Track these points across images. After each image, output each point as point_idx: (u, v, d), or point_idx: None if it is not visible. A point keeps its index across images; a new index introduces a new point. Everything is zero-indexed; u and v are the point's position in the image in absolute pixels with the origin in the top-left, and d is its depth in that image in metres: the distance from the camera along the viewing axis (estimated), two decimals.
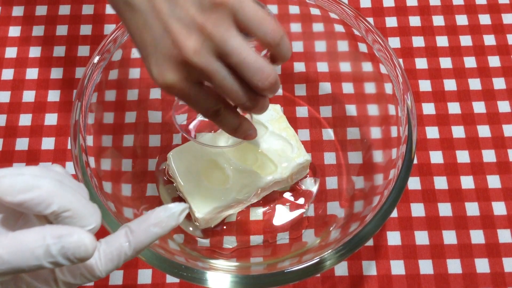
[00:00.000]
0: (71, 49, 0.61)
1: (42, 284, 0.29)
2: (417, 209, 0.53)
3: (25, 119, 0.58)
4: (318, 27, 0.54)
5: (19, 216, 0.30)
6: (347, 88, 0.56)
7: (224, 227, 0.52)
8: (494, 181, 0.54)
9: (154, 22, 0.34)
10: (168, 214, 0.30)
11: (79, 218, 0.28)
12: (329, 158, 0.55)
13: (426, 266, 0.51)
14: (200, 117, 0.57)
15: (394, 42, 0.61)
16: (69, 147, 0.57)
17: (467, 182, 0.54)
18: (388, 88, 0.48)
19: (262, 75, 0.34)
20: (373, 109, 0.53)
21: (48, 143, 0.57)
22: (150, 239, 0.30)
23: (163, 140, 0.56)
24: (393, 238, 0.52)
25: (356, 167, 0.53)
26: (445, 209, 0.53)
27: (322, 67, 0.58)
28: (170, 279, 0.51)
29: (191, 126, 0.55)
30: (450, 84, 0.59)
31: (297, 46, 0.58)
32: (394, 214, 0.53)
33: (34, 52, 0.61)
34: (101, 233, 0.53)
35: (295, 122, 0.57)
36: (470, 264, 0.51)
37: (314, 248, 0.47)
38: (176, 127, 0.57)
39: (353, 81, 0.56)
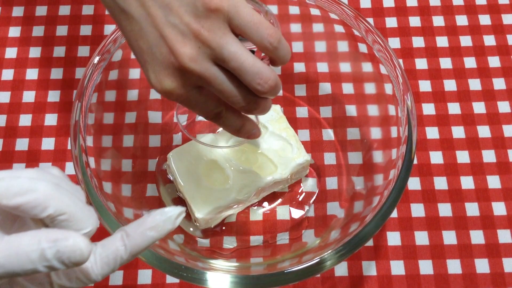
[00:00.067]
0: (71, 49, 0.61)
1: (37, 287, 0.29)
2: (417, 210, 0.53)
3: (25, 120, 0.58)
4: (318, 27, 0.54)
5: (15, 219, 0.29)
6: (347, 88, 0.56)
7: (224, 227, 0.52)
8: (494, 182, 0.54)
9: (149, 30, 0.34)
10: (164, 218, 0.30)
11: (75, 221, 0.28)
12: (329, 158, 0.55)
13: (426, 267, 0.51)
14: (199, 117, 0.57)
15: (394, 43, 0.61)
16: (69, 147, 0.57)
17: (467, 182, 0.54)
18: (388, 88, 0.48)
19: (262, 79, 0.34)
20: (373, 110, 0.53)
21: (48, 144, 0.57)
22: (147, 243, 0.30)
23: (163, 141, 0.56)
24: (393, 238, 0.52)
25: (356, 167, 0.53)
26: (445, 210, 0.53)
27: (322, 67, 0.58)
28: (170, 279, 0.51)
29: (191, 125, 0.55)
30: (450, 85, 0.59)
31: (297, 47, 0.58)
32: (394, 214, 0.53)
33: (34, 52, 0.61)
34: (101, 234, 0.53)
35: (295, 123, 0.57)
36: (470, 265, 0.51)
37: (314, 248, 0.47)
38: (175, 127, 0.57)
39: (353, 81, 0.56)
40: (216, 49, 0.33)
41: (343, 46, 0.53)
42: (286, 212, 0.53)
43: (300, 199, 0.54)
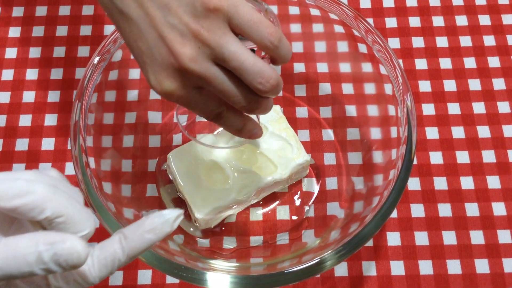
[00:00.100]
0: (71, 49, 0.61)
1: None
2: (417, 210, 0.53)
3: (25, 120, 0.58)
4: (318, 27, 0.54)
5: (12, 221, 0.29)
6: (347, 88, 0.56)
7: (224, 227, 0.52)
8: (494, 182, 0.54)
9: (148, 31, 0.33)
10: (162, 221, 0.30)
11: (72, 224, 0.28)
12: (329, 158, 0.55)
13: (426, 267, 0.51)
14: (199, 118, 0.57)
15: (394, 43, 0.61)
16: (69, 147, 0.57)
17: (467, 182, 0.54)
18: (388, 88, 0.48)
19: (263, 78, 0.34)
20: (373, 110, 0.53)
21: (48, 144, 0.57)
22: (144, 245, 0.30)
23: (163, 141, 0.56)
24: (393, 238, 0.52)
25: (356, 167, 0.53)
26: (445, 210, 0.53)
27: (322, 67, 0.58)
28: (170, 279, 0.51)
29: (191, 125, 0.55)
30: (450, 85, 0.59)
31: (297, 47, 0.58)
32: (394, 214, 0.53)
33: (34, 52, 0.61)
34: (101, 234, 0.53)
35: (295, 123, 0.57)
36: (470, 265, 0.51)
37: (314, 248, 0.47)
38: (175, 127, 0.57)
39: (353, 81, 0.56)
40: (216, 48, 0.33)
41: (343, 46, 0.53)
42: (286, 213, 0.53)
43: (300, 199, 0.54)
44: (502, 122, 0.57)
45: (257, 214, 0.53)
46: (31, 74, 0.60)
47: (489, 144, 0.56)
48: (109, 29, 0.63)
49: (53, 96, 0.59)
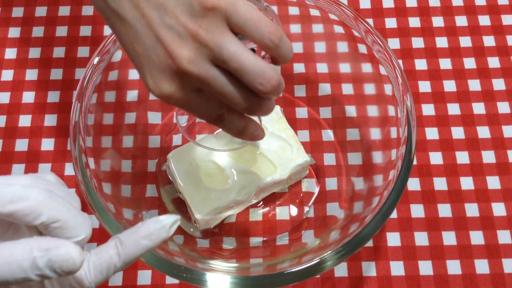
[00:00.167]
0: (71, 50, 0.61)
1: None
2: (417, 210, 0.53)
3: (24, 120, 0.58)
4: (317, 28, 0.54)
5: (9, 225, 0.29)
6: (347, 89, 0.56)
7: (224, 228, 0.52)
8: (493, 182, 0.54)
9: (144, 32, 0.32)
10: (158, 226, 0.30)
11: (68, 229, 0.28)
12: (329, 159, 0.55)
13: (425, 267, 0.51)
14: (199, 118, 0.57)
15: (394, 43, 0.61)
16: (68, 148, 0.57)
17: (466, 183, 0.54)
18: (388, 89, 0.48)
19: (264, 79, 0.33)
20: (372, 110, 0.53)
21: (47, 144, 0.57)
22: (140, 251, 0.29)
23: (162, 141, 0.56)
24: (393, 239, 0.52)
25: (356, 168, 0.53)
26: (444, 210, 0.53)
27: (322, 68, 0.58)
28: (169, 280, 0.51)
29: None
30: (449, 85, 0.59)
31: (297, 47, 0.58)
32: (394, 215, 0.53)
33: (34, 53, 0.61)
34: (101, 234, 0.53)
35: (294, 123, 0.57)
36: (470, 265, 0.51)
37: (313, 249, 0.47)
38: (175, 127, 0.57)
39: (352, 82, 0.56)
40: (215, 49, 0.32)
41: (342, 46, 0.53)
42: (285, 213, 0.53)
43: (299, 199, 0.54)
44: (502, 123, 0.57)
45: (257, 215, 0.53)
46: (31, 74, 0.60)
47: (489, 145, 0.56)
48: (108, 29, 0.63)
49: (53, 97, 0.59)
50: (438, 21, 0.62)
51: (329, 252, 0.41)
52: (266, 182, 0.50)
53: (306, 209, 0.53)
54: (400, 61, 0.60)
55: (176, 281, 0.51)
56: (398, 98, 0.46)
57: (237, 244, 0.52)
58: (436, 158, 0.55)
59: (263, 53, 0.36)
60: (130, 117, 0.54)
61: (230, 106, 0.36)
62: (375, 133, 0.52)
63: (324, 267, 0.40)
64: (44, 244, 0.26)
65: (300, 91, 0.58)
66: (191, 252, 0.49)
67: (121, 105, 0.54)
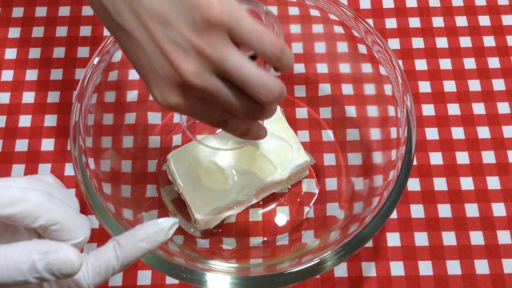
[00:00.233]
0: (71, 50, 0.61)
1: None
2: (417, 210, 0.53)
3: (24, 121, 0.58)
4: (317, 28, 0.54)
5: (7, 227, 0.29)
6: (347, 89, 0.56)
7: (224, 228, 0.52)
8: (493, 182, 0.54)
9: (149, 47, 0.33)
10: (157, 229, 0.30)
11: (67, 231, 0.28)
12: (329, 159, 0.55)
13: (425, 267, 0.51)
14: None
15: (394, 44, 0.61)
16: (68, 148, 0.57)
17: (466, 183, 0.54)
18: (388, 89, 0.48)
19: (266, 90, 0.33)
20: (372, 111, 0.53)
21: (47, 145, 0.57)
22: (138, 254, 0.30)
23: (162, 142, 0.56)
24: (393, 239, 0.52)
25: (356, 168, 0.53)
26: (444, 210, 0.53)
27: (322, 68, 0.58)
28: (169, 280, 0.51)
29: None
30: (449, 86, 0.59)
31: (297, 48, 0.58)
32: (394, 215, 0.53)
33: (34, 53, 0.61)
34: (100, 235, 0.53)
35: (294, 123, 0.57)
36: (470, 266, 0.51)
37: (313, 249, 0.47)
38: (175, 128, 0.57)
39: (352, 82, 0.56)
40: (218, 63, 0.33)
41: (342, 47, 0.53)
42: (285, 213, 0.53)
43: (299, 200, 0.54)
44: (502, 123, 0.57)
45: (257, 215, 0.53)
46: (31, 74, 0.60)
47: (489, 145, 0.56)
48: None
49: (53, 97, 0.59)
50: (438, 22, 0.62)
51: (329, 252, 0.41)
52: (266, 182, 0.50)
53: (306, 209, 0.53)
54: (400, 62, 0.60)
55: (176, 281, 0.51)
56: (398, 99, 0.46)
57: (237, 244, 0.52)
58: (436, 158, 0.55)
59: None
60: (130, 118, 0.54)
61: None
62: (375, 134, 0.52)
63: (324, 268, 0.40)
64: (42, 247, 0.27)
65: (300, 91, 0.58)
66: (191, 252, 0.49)
67: (121, 105, 0.54)
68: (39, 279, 0.27)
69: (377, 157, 0.51)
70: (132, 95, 0.55)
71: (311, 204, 0.53)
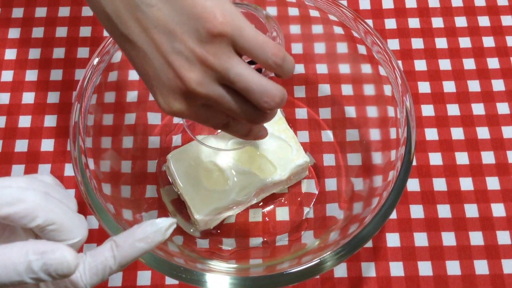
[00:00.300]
0: (71, 50, 0.61)
1: None
2: (416, 211, 0.53)
3: (24, 121, 0.58)
4: (317, 29, 0.54)
5: (5, 227, 0.29)
6: (346, 90, 0.56)
7: (223, 228, 0.52)
8: (493, 183, 0.54)
9: (154, 56, 0.34)
10: (154, 229, 0.30)
11: (64, 231, 0.28)
12: (328, 159, 0.55)
13: (425, 268, 0.51)
14: None
15: (393, 44, 0.61)
16: (68, 149, 0.57)
17: (466, 183, 0.54)
18: (387, 90, 0.48)
19: (268, 97, 0.34)
20: (372, 111, 0.53)
21: (47, 145, 0.57)
22: (136, 254, 0.30)
23: (162, 142, 0.56)
24: (392, 239, 0.52)
25: (355, 168, 0.53)
26: (444, 211, 0.53)
27: (321, 69, 0.58)
28: (169, 280, 0.51)
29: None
30: (449, 86, 0.59)
31: (296, 48, 0.58)
32: (393, 215, 0.53)
33: (34, 53, 0.61)
34: (100, 235, 0.53)
35: (294, 124, 0.57)
36: (469, 266, 0.51)
37: (313, 249, 0.47)
38: (175, 128, 0.57)
39: (352, 83, 0.56)
40: (222, 72, 0.33)
41: (342, 47, 0.54)
42: (285, 213, 0.53)
43: (299, 200, 0.54)
44: (501, 123, 0.57)
45: (257, 215, 0.53)
46: (31, 75, 0.60)
47: (488, 145, 0.56)
48: None
49: (53, 97, 0.59)
50: (437, 22, 0.62)
51: (329, 252, 0.41)
52: (265, 182, 0.50)
53: (305, 209, 0.53)
54: (399, 62, 0.60)
55: (175, 282, 0.51)
56: (398, 99, 0.46)
57: (237, 245, 0.52)
58: (435, 158, 0.55)
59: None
60: (130, 118, 0.54)
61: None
62: (374, 134, 0.52)
63: (323, 268, 0.40)
64: (39, 248, 0.27)
65: (299, 92, 0.58)
66: (191, 252, 0.49)
67: (120, 105, 0.54)
68: (36, 279, 0.27)
69: (377, 158, 0.51)
70: (131, 96, 0.55)
71: (311, 204, 0.53)
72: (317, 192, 0.54)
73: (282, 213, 0.53)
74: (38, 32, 0.63)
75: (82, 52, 0.61)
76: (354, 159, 0.54)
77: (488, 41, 0.61)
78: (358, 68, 0.53)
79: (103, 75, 0.48)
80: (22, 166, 0.56)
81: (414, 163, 0.55)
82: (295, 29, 0.56)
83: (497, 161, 0.55)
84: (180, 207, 0.53)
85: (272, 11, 0.54)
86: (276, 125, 0.53)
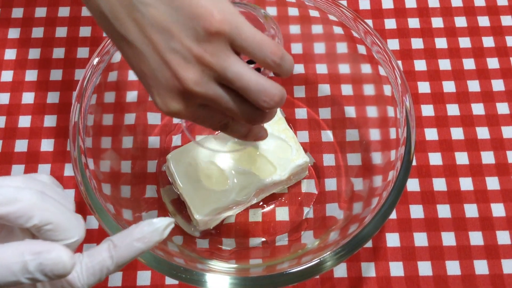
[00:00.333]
0: (71, 51, 0.61)
1: None
2: (416, 211, 0.53)
3: (24, 121, 0.58)
4: (317, 29, 0.54)
5: (1, 227, 0.29)
6: (346, 90, 0.56)
7: (223, 228, 0.52)
8: (493, 183, 0.54)
9: (151, 56, 0.33)
10: (152, 229, 0.30)
11: (61, 231, 0.28)
12: (328, 159, 0.55)
13: (425, 268, 0.51)
14: None
15: (393, 44, 0.61)
16: (68, 149, 0.57)
17: (466, 183, 0.54)
18: (387, 90, 0.48)
19: (267, 96, 0.34)
20: (372, 111, 0.54)
21: (47, 145, 0.57)
22: (133, 254, 0.29)
23: (162, 142, 0.56)
24: (392, 239, 0.52)
25: (355, 168, 0.53)
26: (444, 211, 0.53)
27: (321, 69, 0.58)
28: (169, 280, 0.51)
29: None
30: (449, 86, 0.59)
31: (296, 48, 0.58)
32: (393, 215, 0.53)
33: (34, 53, 0.61)
34: (100, 235, 0.53)
35: (294, 124, 0.57)
36: (469, 266, 0.51)
37: (313, 249, 0.47)
38: (175, 128, 0.57)
39: (352, 83, 0.56)
40: (219, 71, 0.33)
41: (342, 47, 0.54)
42: (285, 213, 0.53)
43: (299, 200, 0.54)
44: (501, 123, 0.57)
45: (257, 215, 0.53)
46: (31, 75, 0.60)
47: (488, 145, 0.56)
48: None
49: (53, 97, 0.59)
50: (437, 22, 0.62)
51: (329, 252, 0.41)
52: (265, 182, 0.50)
53: (305, 209, 0.53)
54: (399, 62, 0.60)
55: (175, 282, 0.51)
56: (397, 99, 0.46)
57: (237, 245, 0.52)
58: (435, 158, 0.55)
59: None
60: (130, 118, 0.54)
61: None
62: (374, 134, 0.52)
63: (323, 268, 0.40)
64: (35, 248, 0.26)
65: (299, 92, 0.58)
66: (191, 252, 0.49)
67: (120, 106, 0.54)
68: (32, 279, 0.27)
69: (377, 158, 0.51)
70: (131, 96, 0.55)
71: (311, 204, 0.53)
72: (317, 192, 0.54)
73: (282, 213, 0.53)
74: (38, 32, 0.63)
75: (82, 52, 0.61)
76: (354, 159, 0.54)
77: (488, 41, 0.61)
78: (358, 68, 0.53)
79: (103, 75, 0.48)
80: (22, 166, 0.56)
81: (414, 163, 0.55)
82: (295, 29, 0.56)
83: (497, 161, 0.55)
84: (180, 207, 0.53)
85: (272, 11, 0.54)
86: (276, 125, 0.53)
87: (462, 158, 0.55)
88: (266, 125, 0.52)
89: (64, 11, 0.64)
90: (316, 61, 0.58)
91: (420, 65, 0.60)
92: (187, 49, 0.32)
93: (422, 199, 0.54)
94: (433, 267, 0.51)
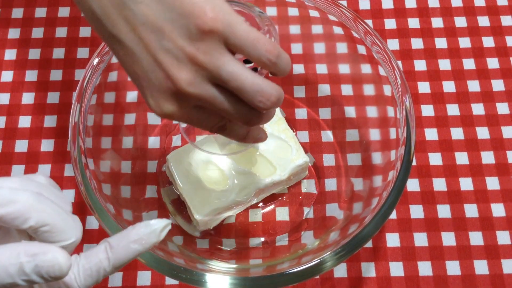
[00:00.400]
0: (71, 51, 0.61)
1: None
2: (416, 211, 0.53)
3: (24, 121, 0.58)
4: (317, 29, 0.54)
5: None
6: (346, 90, 0.56)
7: (223, 229, 0.52)
8: (493, 183, 0.54)
9: (143, 55, 0.33)
10: (149, 231, 0.30)
11: (58, 233, 0.28)
12: (328, 159, 0.55)
13: (425, 268, 0.51)
14: None
15: (393, 44, 0.61)
16: (68, 149, 0.57)
17: (466, 183, 0.54)
18: (387, 90, 0.48)
19: (263, 96, 0.33)
20: (372, 111, 0.54)
21: (47, 145, 0.57)
22: (130, 256, 0.29)
23: (162, 142, 0.56)
24: (392, 239, 0.52)
25: (355, 168, 0.53)
26: (444, 211, 0.53)
27: (321, 69, 0.58)
28: (169, 281, 0.51)
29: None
30: (449, 86, 0.59)
31: (296, 48, 0.58)
32: (393, 215, 0.53)
33: (34, 54, 0.61)
34: (100, 235, 0.53)
35: (294, 124, 0.57)
36: (469, 266, 0.51)
37: (313, 249, 0.47)
38: (175, 128, 0.57)
39: (352, 83, 0.56)
40: (213, 71, 0.32)
41: (342, 47, 0.54)
42: (285, 214, 0.53)
43: (299, 200, 0.54)
44: (501, 123, 0.57)
45: (257, 215, 0.53)
46: (31, 75, 0.60)
47: (488, 145, 0.56)
48: None
49: (53, 98, 0.59)
50: (437, 22, 0.62)
51: (329, 252, 0.41)
52: (265, 183, 0.50)
53: (305, 209, 0.53)
54: (399, 62, 0.60)
55: (175, 282, 0.51)
56: (397, 99, 0.46)
57: (237, 245, 0.52)
58: (435, 158, 0.55)
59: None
60: (130, 118, 0.54)
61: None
62: (374, 134, 0.52)
63: (323, 268, 0.40)
64: (31, 249, 0.26)
65: (299, 92, 0.58)
66: (191, 253, 0.49)
67: (120, 106, 0.54)
68: (28, 281, 0.26)
69: (377, 158, 0.51)
70: (131, 96, 0.55)
71: (311, 204, 0.53)
72: (317, 192, 0.54)
73: (282, 213, 0.53)
74: (38, 33, 0.63)
75: (82, 52, 0.61)
76: (354, 159, 0.54)
77: (488, 41, 0.61)
78: (358, 68, 0.53)
79: (103, 76, 0.48)
80: (22, 167, 0.56)
81: (414, 163, 0.55)
82: (294, 29, 0.56)
83: (497, 161, 0.55)
84: (180, 207, 0.53)
85: (271, 11, 0.54)
86: (276, 125, 0.53)
87: (462, 158, 0.55)
88: (266, 125, 0.52)
89: (64, 11, 0.64)
90: (316, 61, 0.58)
91: (420, 65, 0.60)
92: (180, 48, 0.32)
93: (422, 199, 0.54)
94: (433, 267, 0.51)
